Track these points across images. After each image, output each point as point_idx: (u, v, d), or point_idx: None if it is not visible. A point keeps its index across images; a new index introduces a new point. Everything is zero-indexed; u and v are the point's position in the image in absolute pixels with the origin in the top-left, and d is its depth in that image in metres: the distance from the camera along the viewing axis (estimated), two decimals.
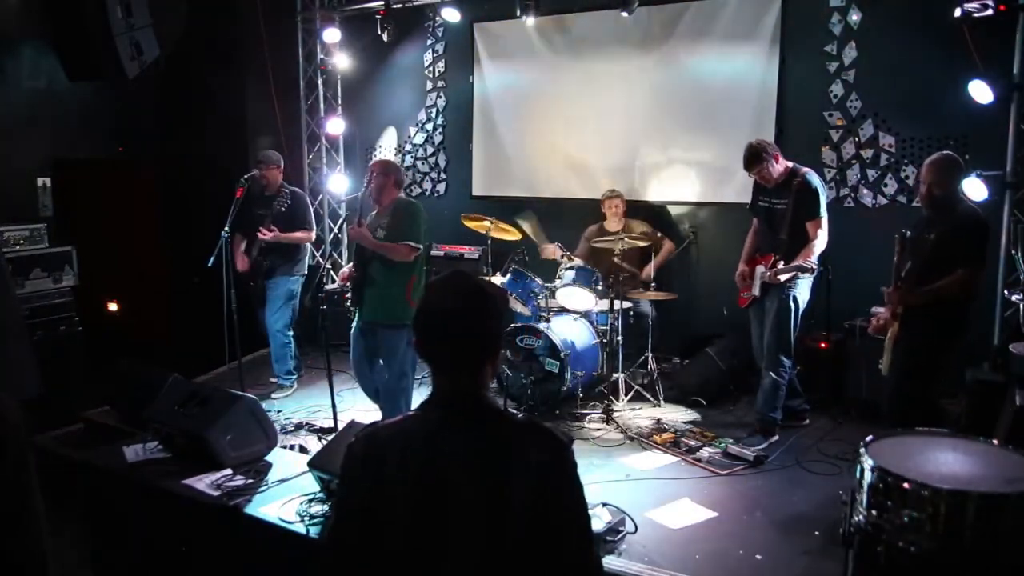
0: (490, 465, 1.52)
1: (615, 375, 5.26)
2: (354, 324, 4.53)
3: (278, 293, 5.61)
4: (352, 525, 1.60)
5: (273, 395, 5.66)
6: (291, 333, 5.74)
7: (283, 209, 5.47)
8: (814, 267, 4.39)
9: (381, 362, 4.51)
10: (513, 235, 5.82)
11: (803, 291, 4.54)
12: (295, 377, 5.85)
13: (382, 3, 6.53)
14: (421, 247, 4.37)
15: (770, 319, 4.56)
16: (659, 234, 5.89)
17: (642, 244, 5.50)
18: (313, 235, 5.78)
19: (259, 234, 5.34)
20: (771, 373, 4.57)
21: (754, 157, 4.49)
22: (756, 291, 4.63)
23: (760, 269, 4.60)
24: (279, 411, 5.24)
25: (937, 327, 3.69)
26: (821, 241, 4.45)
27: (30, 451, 2.05)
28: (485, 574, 1.50)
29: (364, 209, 4.49)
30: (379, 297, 4.35)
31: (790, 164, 4.58)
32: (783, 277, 4.40)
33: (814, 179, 4.52)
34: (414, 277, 4.38)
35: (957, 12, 4.48)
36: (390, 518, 1.54)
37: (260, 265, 5.54)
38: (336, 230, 7.58)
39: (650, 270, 5.72)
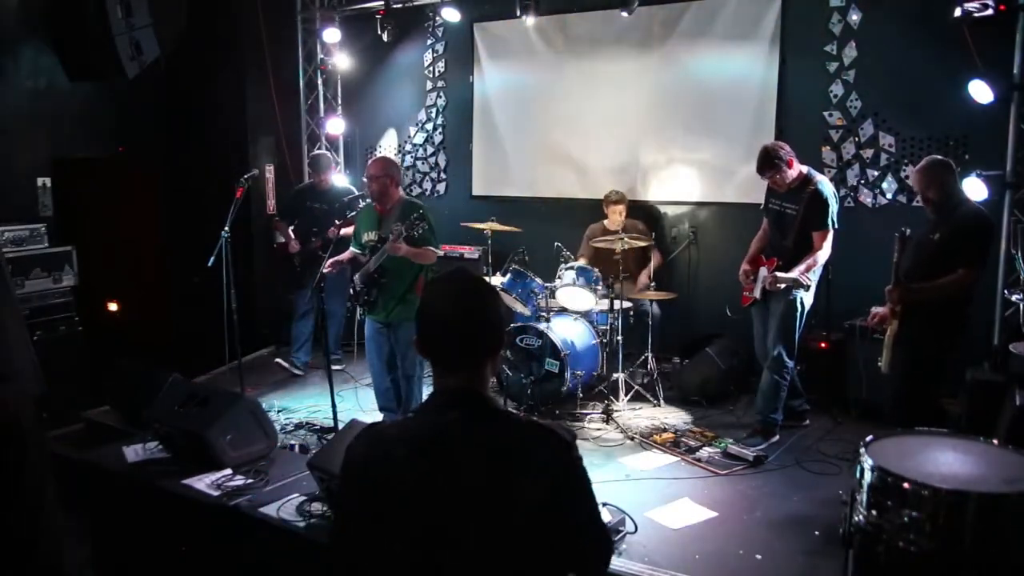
0: (497, 465, 1.51)
1: (615, 375, 5.25)
2: (368, 325, 4.71)
3: (340, 283, 5.63)
4: (355, 527, 1.60)
5: (296, 370, 6.16)
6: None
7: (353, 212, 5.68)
8: (810, 283, 4.36)
9: (399, 359, 4.64)
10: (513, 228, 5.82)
11: (808, 294, 4.52)
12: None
13: (382, 3, 6.53)
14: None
15: (775, 321, 4.53)
16: (652, 239, 5.89)
17: (642, 244, 5.50)
18: None
19: (331, 232, 5.58)
20: (773, 375, 4.56)
21: (767, 163, 4.41)
22: (757, 293, 4.61)
23: (763, 272, 4.59)
24: (279, 411, 5.25)
25: (936, 328, 3.69)
26: (824, 252, 4.40)
27: (35, 439, 2.05)
28: (493, 573, 1.50)
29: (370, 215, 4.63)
30: (398, 298, 4.49)
31: (804, 169, 4.49)
32: (781, 286, 4.37)
33: (826, 189, 4.42)
34: (421, 276, 4.54)
35: (957, 12, 4.48)
36: (396, 518, 1.54)
37: (314, 253, 5.83)
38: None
39: (646, 278, 5.71)
